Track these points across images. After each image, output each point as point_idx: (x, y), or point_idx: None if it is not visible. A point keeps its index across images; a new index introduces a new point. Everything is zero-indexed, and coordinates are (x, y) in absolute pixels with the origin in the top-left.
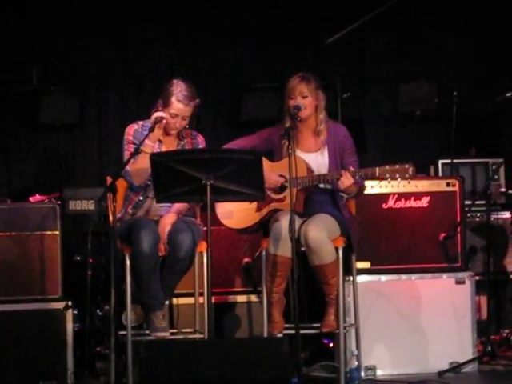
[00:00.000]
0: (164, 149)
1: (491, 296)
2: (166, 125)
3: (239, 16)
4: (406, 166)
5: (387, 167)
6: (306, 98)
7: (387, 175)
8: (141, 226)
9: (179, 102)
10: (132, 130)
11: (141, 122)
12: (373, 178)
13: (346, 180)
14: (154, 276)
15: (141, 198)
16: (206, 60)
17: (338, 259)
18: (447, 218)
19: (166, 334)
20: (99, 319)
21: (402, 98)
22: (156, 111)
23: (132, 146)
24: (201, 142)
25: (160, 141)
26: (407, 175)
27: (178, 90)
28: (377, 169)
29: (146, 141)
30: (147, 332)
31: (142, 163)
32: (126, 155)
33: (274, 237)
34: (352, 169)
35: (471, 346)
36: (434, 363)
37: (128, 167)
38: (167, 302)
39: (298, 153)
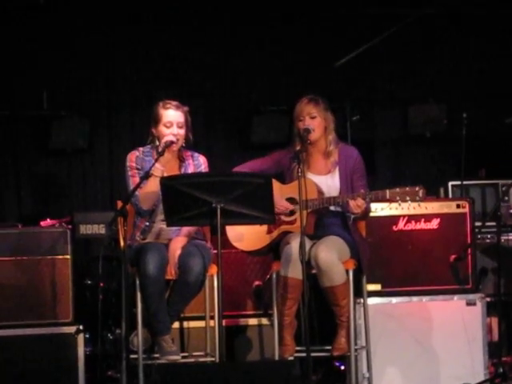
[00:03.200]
0: (166, 172)
1: (502, 317)
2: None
3: (249, 39)
4: (417, 189)
5: (397, 190)
6: (314, 118)
7: (397, 198)
8: (148, 250)
9: (168, 109)
10: (134, 157)
11: (141, 149)
12: (383, 200)
13: (358, 205)
14: (161, 299)
15: (147, 224)
16: (215, 83)
17: (349, 281)
18: (457, 239)
19: (177, 358)
20: (110, 343)
21: (412, 120)
22: (152, 137)
23: (136, 171)
24: (203, 162)
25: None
26: (417, 198)
27: (164, 103)
28: (387, 191)
29: (157, 164)
30: (158, 356)
31: (151, 187)
32: (133, 181)
33: (285, 259)
34: (363, 191)
35: (483, 368)
36: None
37: (136, 192)
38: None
39: (309, 175)
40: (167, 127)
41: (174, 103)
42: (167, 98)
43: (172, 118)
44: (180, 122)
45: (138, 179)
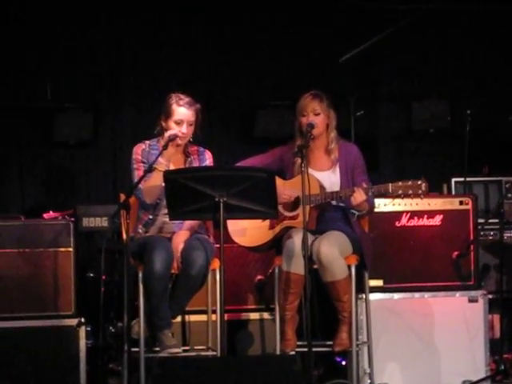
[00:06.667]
0: (172, 166)
1: (504, 314)
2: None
3: (253, 33)
4: (419, 182)
5: (400, 183)
6: (318, 115)
7: (400, 191)
8: (154, 246)
9: (181, 106)
10: (140, 150)
11: (148, 142)
12: (385, 194)
13: (359, 196)
14: (165, 297)
15: (150, 217)
16: (219, 77)
17: (351, 276)
18: (460, 236)
19: (177, 350)
20: (112, 336)
21: (415, 117)
22: (161, 128)
23: (141, 164)
24: (208, 157)
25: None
26: (420, 191)
27: (178, 98)
28: (390, 185)
29: (160, 158)
30: (159, 349)
31: (155, 181)
32: (137, 174)
33: (287, 254)
34: (365, 185)
35: (484, 365)
36: (446, 381)
37: (140, 185)
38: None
39: (311, 171)
40: (177, 124)
41: (187, 100)
42: (180, 92)
43: (183, 117)
44: (190, 121)
45: (142, 172)
